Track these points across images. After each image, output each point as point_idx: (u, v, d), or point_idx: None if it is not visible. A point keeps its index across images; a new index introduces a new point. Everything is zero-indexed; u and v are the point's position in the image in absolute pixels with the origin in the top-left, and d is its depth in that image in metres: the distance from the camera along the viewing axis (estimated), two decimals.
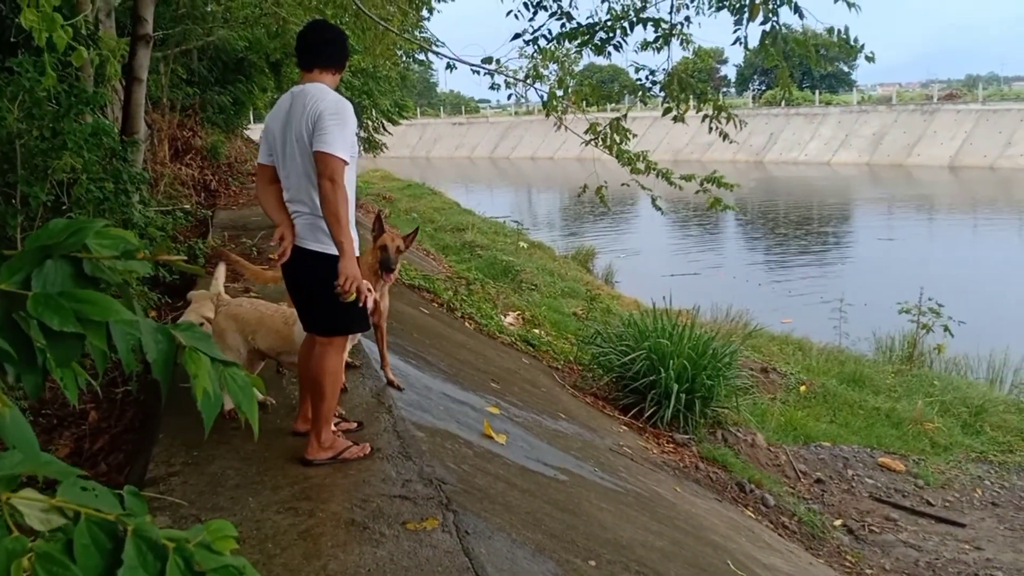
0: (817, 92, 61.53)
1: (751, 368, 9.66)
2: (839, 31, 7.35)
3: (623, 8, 8.28)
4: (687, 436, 7.48)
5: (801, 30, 8.05)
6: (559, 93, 8.87)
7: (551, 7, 8.44)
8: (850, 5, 7.19)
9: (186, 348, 1.19)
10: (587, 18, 8.46)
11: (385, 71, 18.78)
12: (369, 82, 19.72)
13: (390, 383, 4.79)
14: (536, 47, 8.66)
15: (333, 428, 3.78)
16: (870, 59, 7.48)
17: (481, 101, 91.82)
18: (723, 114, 8.04)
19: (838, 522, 6.91)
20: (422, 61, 21.25)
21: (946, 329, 11.29)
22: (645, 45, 8.33)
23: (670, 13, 8.13)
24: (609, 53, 8.45)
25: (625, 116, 8.61)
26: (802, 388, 9.86)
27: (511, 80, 9.11)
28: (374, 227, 4.39)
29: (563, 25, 8.44)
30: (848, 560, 6.25)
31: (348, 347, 4.06)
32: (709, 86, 8.89)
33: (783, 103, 54.15)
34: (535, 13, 8.50)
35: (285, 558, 2.85)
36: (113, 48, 6.44)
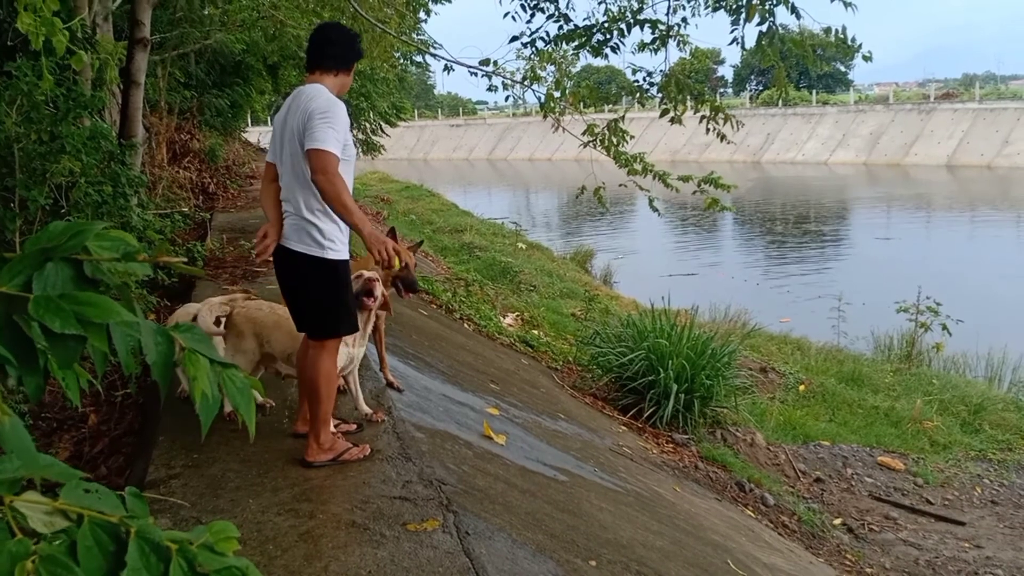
0: (814, 92, 61.57)
1: (750, 368, 9.67)
2: (836, 31, 7.37)
3: (620, 9, 8.29)
4: (686, 436, 7.49)
5: (798, 30, 8.07)
6: (556, 95, 8.88)
7: (548, 9, 8.45)
8: (846, 5, 7.20)
9: (185, 350, 1.19)
10: (584, 20, 8.47)
11: (383, 73, 18.81)
12: (367, 84, 19.77)
13: (389, 384, 4.80)
14: (534, 49, 8.67)
15: (332, 430, 3.78)
16: (867, 58, 7.49)
17: (479, 103, 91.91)
18: (720, 115, 8.04)
19: (838, 521, 6.92)
20: (419, 63, 21.27)
21: (944, 328, 11.31)
22: (642, 46, 8.34)
23: (667, 14, 8.15)
24: (606, 55, 8.46)
25: (623, 117, 8.61)
26: (801, 387, 9.87)
27: (508, 82, 9.12)
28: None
29: (560, 27, 8.45)
30: (848, 559, 6.25)
31: (358, 352, 4.08)
32: (706, 87, 8.91)
33: (780, 103, 54.21)
34: (532, 15, 8.51)
35: (286, 560, 2.85)
36: (111, 52, 6.46)
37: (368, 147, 25.33)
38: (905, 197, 37.30)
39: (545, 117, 9.07)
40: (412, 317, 7.49)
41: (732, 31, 7.55)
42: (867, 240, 26.60)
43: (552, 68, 9.42)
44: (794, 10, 7.18)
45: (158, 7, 9.44)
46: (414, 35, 12.26)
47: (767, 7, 7.16)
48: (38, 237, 1.11)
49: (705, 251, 24.89)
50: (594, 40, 8.36)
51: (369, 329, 4.20)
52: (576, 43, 8.49)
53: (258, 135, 29.02)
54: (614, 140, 8.48)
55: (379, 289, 4.02)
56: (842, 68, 71.48)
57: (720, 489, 6.68)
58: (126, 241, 1.14)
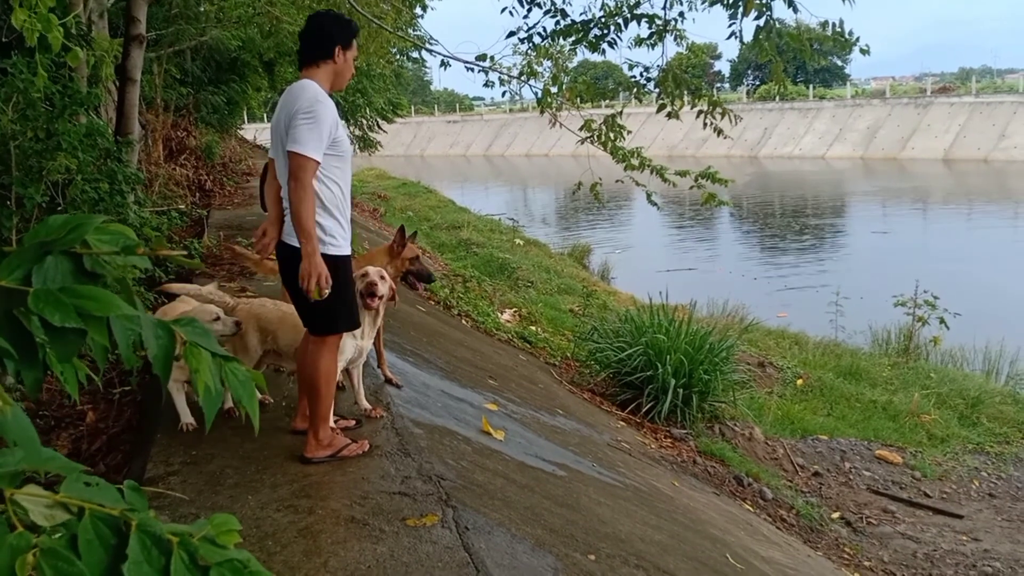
0: (811, 86, 61.61)
1: (748, 362, 9.68)
2: (833, 24, 7.35)
3: (617, 4, 8.28)
4: (684, 430, 7.50)
5: (795, 24, 8.05)
6: (553, 90, 8.87)
7: (545, 4, 8.44)
8: None
9: (187, 343, 1.19)
10: (581, 15, 8.46)
11: (379, 69, 18.77)
12: (363, 80, 19.73)
13: (388, 381, 4.80)
14: (530, 44, 8.66)
15: (332, 425, 3.78)
16: (865, 52, 7.47)
17: (475, 99, 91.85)
18: (717, 109, 8.04)
19: (836, 515, 6.93)
20: (416, 59, 21.25)
21: (942, 321, 11.33)
22: (639, 41, 8.32)
23: (664, 9, 8.13)
24: (603, 50, 8.45)
25: (620, 113, 8.61)
26: (799, 382, 9.88)
27: (505, 77, 9.12)
28: (397, 240, 4.62)
29: (557, 22, 8.44)
30: (846, 552, 6.27)
31: (367, 344, 4.09)
32: (703, 82, 8.90)
33: (777, 98, 54.22)
34: (529, 10, 8.50)
35: (285, 555, 2.85)
36: (107, 49, 6.45)
37: (364, 144, 25.29)
38: (902, 191, 37.34)
39: (542, 113, 9.07)
40: (410, 313, 7.49)
41: (729, 25, 7.54)
42: (864, 234, 26.64)
43: (549, 63, 9.41)
44: (791, 4, 7.17)
45: (154, 3, 9.42)
46: (410, 30, 12.23)
47: (764, 1, 7.15)
48: (37, 231, 1.10)
49: (702, 246, 24.92)
50: (591, 35, 8.36)
51: (379, 322, 4.20)
52: (573, 38, 8.48)
53: (254, 132, 28.95)
54: (611, 135, 8.47)
55: (382, 289, 4.02)
56: (839, 63, 71.50)
57: (718, 483, 6.70)
58: (125, 235, 1.13)
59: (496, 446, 4.53)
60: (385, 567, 2.79)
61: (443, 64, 9.55)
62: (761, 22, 7.28)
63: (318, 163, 3.44)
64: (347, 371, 4.16)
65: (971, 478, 7.87)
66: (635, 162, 8.45)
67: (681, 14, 8.17)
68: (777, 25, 7.39)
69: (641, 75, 8.41)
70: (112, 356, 1.12)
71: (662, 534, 4.27)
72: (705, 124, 8.16)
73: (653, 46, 8.25)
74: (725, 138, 8.25)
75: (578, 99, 8.85)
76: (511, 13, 8.55)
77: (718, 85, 75.49)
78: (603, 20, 8.29)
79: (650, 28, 8.15)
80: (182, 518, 3.13)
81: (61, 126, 5.55)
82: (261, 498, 3.29)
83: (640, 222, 28.71)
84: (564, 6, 8.44)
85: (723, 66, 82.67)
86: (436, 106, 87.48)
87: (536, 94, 8.98)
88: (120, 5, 8.82)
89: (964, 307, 12.03)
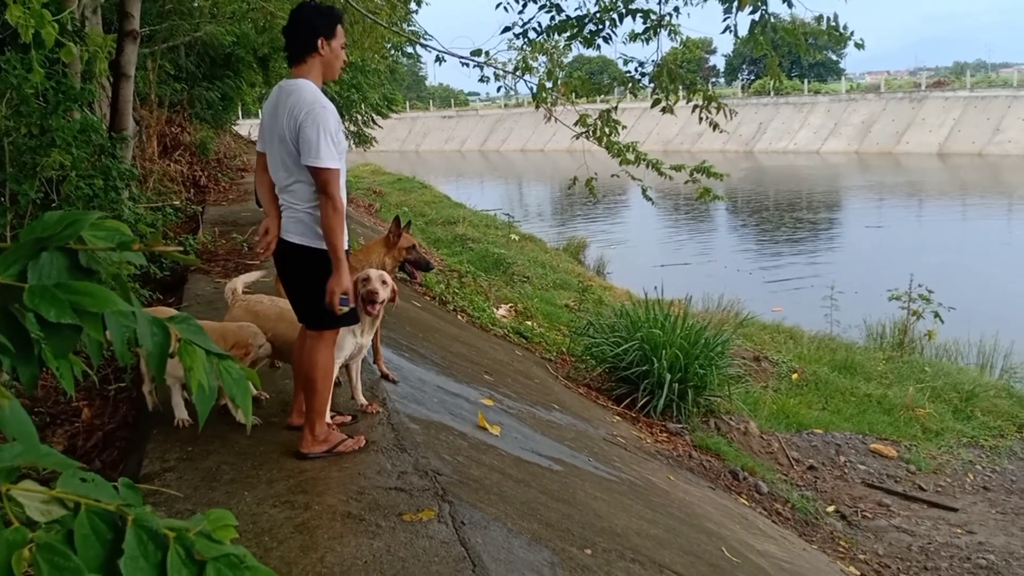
0: (806, 81, 61.62)
1: (743, 357, 9.70)
2: (828, 19, 7.36)
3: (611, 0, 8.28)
4: (680, 425, 7.51)
5: (790, 19, 8.07)
6: (548, 85, 8.87)
7: None
8: None
9: (181, 341, 1.19)
10: (576, 10, 8.46)
11: (374, 64, 18.71)
12: (358, 76, 19.67)
13: (384, 376, 4.80)
14: (526, 39, 8.66)
15: (328, 421, 3.78)
16: (860, 46, 7.48)
17: (470, 94, 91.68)
18: (713, 104, 8.04)
19: (831, 508, 6.96)
20: (411, 54, 21.20)
21: (936, 315, 11.35)
22: (634, 36, 8.33)
23: (659, 4, 8.13)
24: (598, 45, 8.45)
25: (615, 108, 8.61)
26: (794, 376, 9.91)
27: (500, 72, 9.11)
28: (393, 230, 4.58)
29: (552, 17, 8.44)
30: (841, 545, 6.29)
31: (366, 340, 4.09)
32: (698, 76, 8.90)
33: (772, 92, 54.19)
34: (524, 5, 8.50)
35: (282, 551, 2.86)
36: (100, 44, 6.42)
37: (359, 139, 25.22)
38: (897, 185, 37.39)
39: (537, 108, 9.06)
40: (406, 309, 7.49)
41: (724, 19, 7.55)
42: (859, 228, 26.68)
43: (544, 59, 9.40)
44: None
45: None
46: (405, 26, 12.20)
47: None
48: (32, 227, 1.10)
49: (698, 241, 24.93)
50: (586, 30, 8.36)
51: (380, 319, 4.20)
52: (568, 33, 8.48)
53: (249, 128, 28.82)
54: (606, 130, 8.48)
55: (383, 294, 4.01)
56: (834, 57, 71.50)
57: (714, 477, 6.71)
58: (121, 231, 1.13)
59: (492, 441, 4.54)
60: (381, 562, 2.80)
61: (438, 59, 9.53)
62: (756, 16, 7.29)
63: (339, 171, 3.46)
64: (346, 367, 4.16)
65: (965, 471, 7.91)
66: (630, 156, 8.46)
67: (676, 9, 8.19)
68: (772, 19, 7.39)
69: (636, 70, 8.42)
70: (107, 352, 1.12)
71: (658, 528, 4.28)
72: (701, 118, 8.17)
73: (648, 41, 8.25)
74: (721, 132, 8.25)
75: (573, 94, 8.85)
76: (506, 8, 8.56)
77: (713, 80, 75.47)
78: (598, 15, 8.28)
79: (645, 23, 8.15)
80: (178, 514, 3.13)
81: (55, 122, 5.53)
82: (257, 494, 3.30)
83: (635, 217, 28.72)
84: (559, 1, 8.44)
85: (718, 61, 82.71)
86: (431, 101, 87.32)
87: (531, 89, 8.97)
88: (113, 1, 8.79)
89: (959, 301, 12.06)
